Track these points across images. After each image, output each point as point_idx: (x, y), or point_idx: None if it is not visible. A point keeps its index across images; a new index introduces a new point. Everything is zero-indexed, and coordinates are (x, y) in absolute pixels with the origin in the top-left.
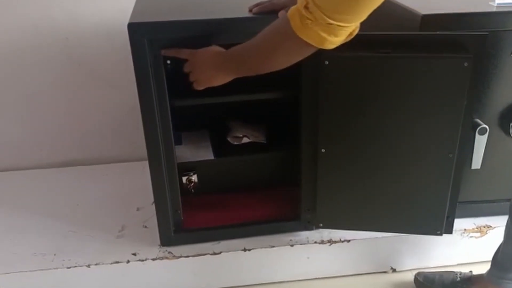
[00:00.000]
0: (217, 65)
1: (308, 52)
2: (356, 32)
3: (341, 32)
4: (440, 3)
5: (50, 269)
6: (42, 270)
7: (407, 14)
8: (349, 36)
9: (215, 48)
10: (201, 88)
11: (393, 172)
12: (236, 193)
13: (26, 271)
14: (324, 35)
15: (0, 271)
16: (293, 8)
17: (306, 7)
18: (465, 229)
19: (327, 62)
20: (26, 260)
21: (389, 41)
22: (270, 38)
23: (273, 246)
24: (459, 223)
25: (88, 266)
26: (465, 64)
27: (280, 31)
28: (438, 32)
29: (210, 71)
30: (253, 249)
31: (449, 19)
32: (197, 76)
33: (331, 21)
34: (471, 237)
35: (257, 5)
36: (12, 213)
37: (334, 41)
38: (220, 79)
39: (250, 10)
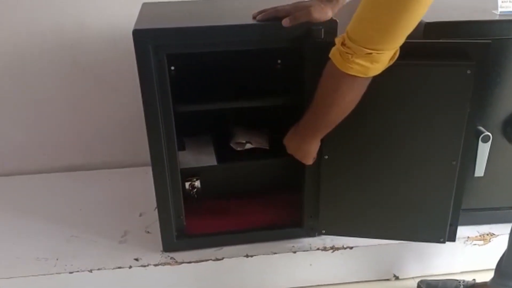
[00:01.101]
0: (300, 142)
1: (361, 85)
2: (397, 54)
3: (382, 58)
4: (443, 11)
5: (53, 273)
6: (44, 274)
7: None
8: (392, 60)
9: (288, 133)
10: (310, 162)
11: (396, 179)
12: (238, 199)
13: (28, 276)
14: (367, 64)
15: (3, 275)
16: (333, 49)
17: (343, 44)
18: (468, 237)
19: None
20: (28, 265)
21: None
22: (325, 87)
23: (276, 253)
24: (462, 231)
25: (91, 271)
26: (468, 72)
27: (329, 75)
28: (441, 40)
29: (302, 149)
30: (255, 255)
31: (452, 27)
32: (301, 158)
33: (370, 51)
34: (474, 244)
35: (261, 12)
36: (15, 217)
37: (377, 67)
38: (313, 148)
39: (254, 17)
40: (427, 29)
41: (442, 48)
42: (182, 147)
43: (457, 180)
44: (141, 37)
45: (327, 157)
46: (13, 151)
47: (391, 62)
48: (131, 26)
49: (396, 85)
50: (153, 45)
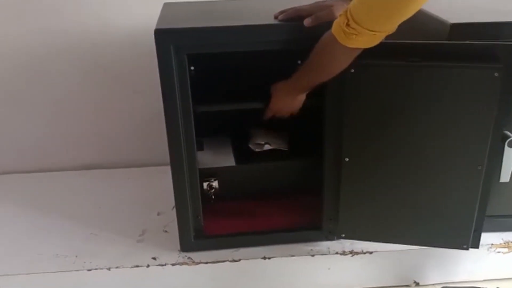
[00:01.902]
0: (288, 91)
1: (357, 52)
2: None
3: (384, 35)
4: (470, 12)
5: (71, 270)
6: (63, 271)
7: (436, 23)
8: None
9: (276, 86)
10: (294, 113)
11: (419, 184)
12: (256, 201)
13: (48, 272)
14: (369, 39)
15: (23, 271)
16: (335, 25)
17: (347, 25)
18: (492, 244)
19: (353, 70)
20: (48, 261)
21: (417, 50)
22: (322, 52)
23: (293, 256)
24: (486, 238)
25: (109, 269)
26: (496, 75)
27: (328, 44)
28: (467, 41)
29: (288, 99)
30: (272, 257)
31: (479, 28)
32: (284, 111)
33: (373, 32)
34: (498, 252)
35: (282, 12)
36: (36, 214)
37: (378, 40)
38: (296, 101)
39: (276, 17)
40: (453, 30)
41: (468, 50)
42: (200, 147)
43: (482, 186)
44: (162, 37)
45: (348, 159)
46: (34, 148)
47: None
48: (152, 26)
49: (420, 87)
50: (175, 45)
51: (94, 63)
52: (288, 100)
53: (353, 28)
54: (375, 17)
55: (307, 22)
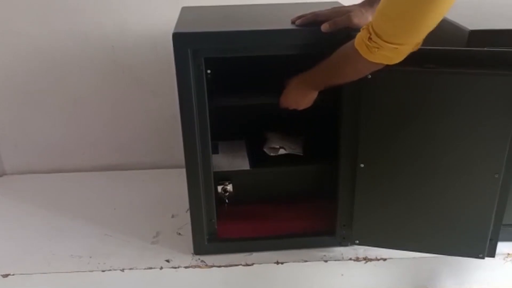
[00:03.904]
0: (301, 86)
1: (378, 66)
2: (421, 43)
3: (406, 50)
4: (488, 18)
5: (86, 271)
6: (77, 272)
7: (454, 29)
8: (416, 46)
9: (292, 79)
10: (298, 107)
11: (435, 191)
12: (270, 205)
13: (62, 272)
14: (392, 55)
15: (37, 270)
16: (358, 38)
17: (370, 39)
18: (508, 254)
19: (370, 76)
20: (63, 261)
21: (435, 56)
22: (343, 61)
23: (307, 261)
24: (502, 247)
25: (122, 270)
26: None
27: (350, 55)
28: (486, 49)
29: (301, 94)
30: (286, 262)
31: (498, 35)
32: (295, 105)
33: (396, 46)
34: None
35: (300, 17)
36: (51, 214)
37: (400, 57)
38: (307, 98)
39: (293, 22)
40: (471, 37)
41: (487, 57)
42: (215, 151)
43: (499, 194)
44: (180, 40)
45: (363, 165)
46: (51, 149)
47: (416, 48)
48: (170, 30)
49: (438, 93)
50: (192, 49)
51: (112, 65)
52: (299, 95)
53: (374, 42)
54: (395, 30)
55: (324, 27)
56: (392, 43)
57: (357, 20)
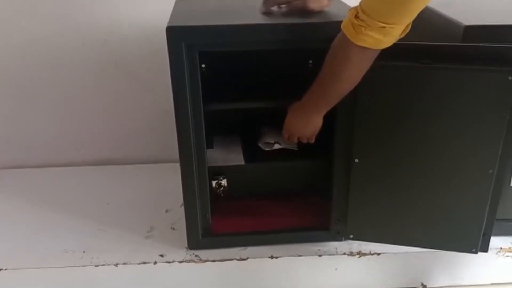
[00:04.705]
0: (302, 113)
1: (370, 57)
2: (409, 27)
3: (394, 32)
4: (484, 14)
5: (79, 266)
6: (71, 266)
7: (450, 24)
8: (403, 32)
9: (292, 106)
10: (311, 140)
11: (429, 186)
12: (265, 200)
13: (55, 267)
14: (379, 37)
15: (31, 266)
16: (345, 20)
17: (356, 17)
18: (501, 248)
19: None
20: (56, 256)
21: (430, 52)
22: (334, 58)
23: (301, 255)
24: (495, 242)
25: (116, 265)
26: (510, 78)
27: (339, 46)
28: (481, 44)
29: (303, 122)
30: (280, 257)
31: (494, 31)
32: (299, 134)
33: (383, 25)
34: (506, 256)
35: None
36: (45, 208)
37: (389, 40)
38: (316, 122)
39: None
40: (466, 32)
41: (482, 53)
42: (210, 145)
43: (492, 189)
44: (174, 34)
45: (358, 160)
46: (45, 143)
47: (402, 35)
48: (164, 23)
49: (432, 89)
50: (186, 43)
51: (106, 59)
52: (302, 123)
53: (362, 20)
54: (383, 5)
55: (283, 10)
56: (379, 21)
57: (312, 4)
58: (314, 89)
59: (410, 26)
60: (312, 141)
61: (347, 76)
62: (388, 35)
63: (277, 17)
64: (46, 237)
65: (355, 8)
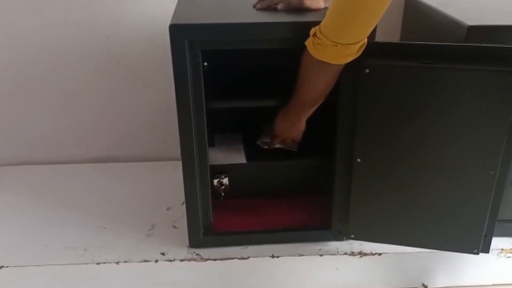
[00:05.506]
0: (286, 117)
1: (334, 70)
2: (365, 46)
3: (347, 51)
4: (487, 14)
5: (80, 263)
6: (72, 264)
7: (453, 24)
8: (361, 49)
9: (280, 110)
10: (297, 141)
11: (431, 186)
12: (267, 199)
13: (56, 264)
14: (334, 55)
15: (31, 263)
16: (309, 39)
17: (314, 35)
18: (502, 249)
19: (367, 70)
20: (57, 253)
21: (433, 52)
22: (303, 69)
23: (302, 255)
24: (496, 242)
25: (117, 263)
26: None
27: (305, 60)
28: (484, 44)
29: (286, 125)
30: (281, 256)
31: (497, 31)
32: (283, 136)
33: (337, 43)
34: (508, 257)
35: (259, 1)
36: (45, 205)
37: (345, 58)
38: (299, 125)
39: (254, 6)
40: (469, 32)
41: (485, 53)
42: (212, 144)
43: (495, 190)
44: (177, 32)
45: (359, 160)
46: (45, 140)
47: (359, 53)
48: (167, 21)
49: (434, 89)
50: (189, 41)
51: (106, 56)
52: (286, 126)
53: (318, 38)
54: (335, 27)
55: (280, 7)
56: (331, 40)
57: (308, 2)
58: (293, 96)
59: (365, 44)
60: (298, 141)
61: (315, 87)
62: (342, 53)
63: (279, 15)
64: (47, 234)
65: (317, 26)
